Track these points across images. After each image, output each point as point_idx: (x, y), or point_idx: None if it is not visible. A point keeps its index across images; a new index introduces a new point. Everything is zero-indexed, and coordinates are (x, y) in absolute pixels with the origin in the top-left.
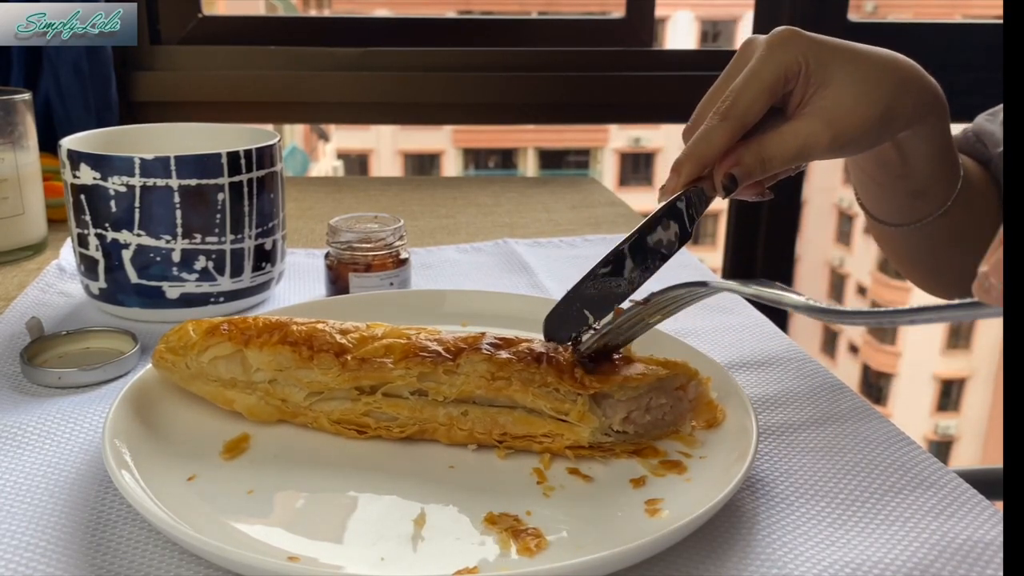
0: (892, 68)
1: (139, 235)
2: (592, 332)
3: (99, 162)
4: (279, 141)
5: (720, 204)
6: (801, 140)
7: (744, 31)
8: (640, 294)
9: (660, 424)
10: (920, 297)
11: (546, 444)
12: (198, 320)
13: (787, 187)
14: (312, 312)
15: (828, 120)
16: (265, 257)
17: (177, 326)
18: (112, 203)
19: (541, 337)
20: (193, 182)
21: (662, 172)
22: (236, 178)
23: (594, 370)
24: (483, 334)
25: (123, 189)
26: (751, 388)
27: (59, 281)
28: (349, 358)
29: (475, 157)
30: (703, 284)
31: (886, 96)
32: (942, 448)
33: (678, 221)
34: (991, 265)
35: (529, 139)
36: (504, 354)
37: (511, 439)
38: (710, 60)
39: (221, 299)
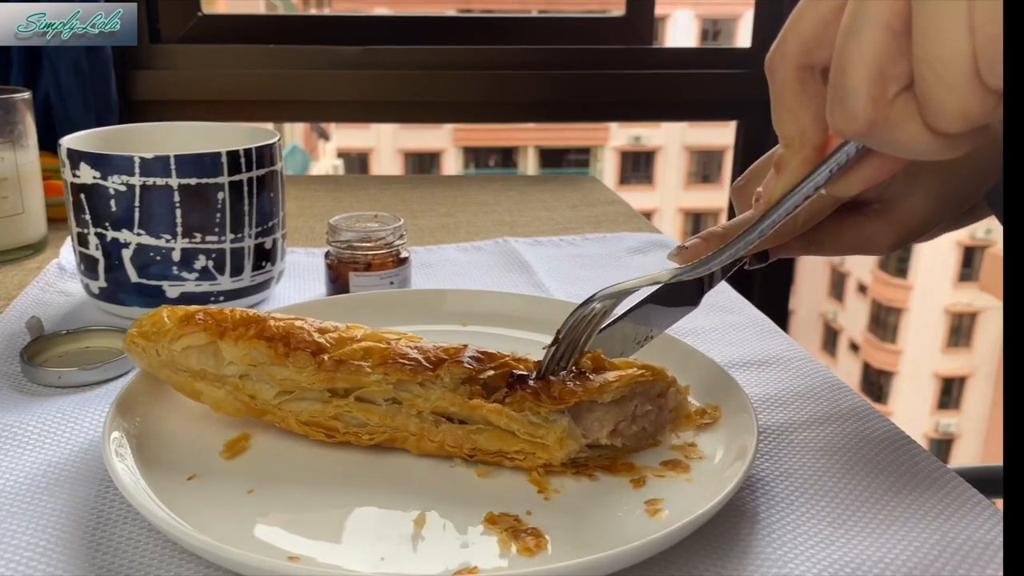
0: (975, 180)
1: (139, 234)
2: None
3: (99, 161)
4: (279, 140)
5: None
6: (862, 240)
7: (744, 29)
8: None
9: (642, 436)
10: (921, 296)
11: (517, 462)
12: (173, 307)
13: None
14: (312, 311)
15: (898, 225)
16: (265, 256)
17: (152, 311)
18: (112, 202)
19: (538, 337)
20: (193, 181)
21: (662, 170)
22: (236, 177)
23: (572, 380)
24: (465, 346)
25: (123, 188)
26: (751, 388)
27: (59, 280)
28: (326, 358)
29: (475, 156)
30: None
31: (962, 204)
32: (943, 446)
33: (688, 296)
34: (762, 185)
35: (529, 138)
36: (484, 375)
37: (482, 454)
38: (710, 58)
39: (221, 298)
